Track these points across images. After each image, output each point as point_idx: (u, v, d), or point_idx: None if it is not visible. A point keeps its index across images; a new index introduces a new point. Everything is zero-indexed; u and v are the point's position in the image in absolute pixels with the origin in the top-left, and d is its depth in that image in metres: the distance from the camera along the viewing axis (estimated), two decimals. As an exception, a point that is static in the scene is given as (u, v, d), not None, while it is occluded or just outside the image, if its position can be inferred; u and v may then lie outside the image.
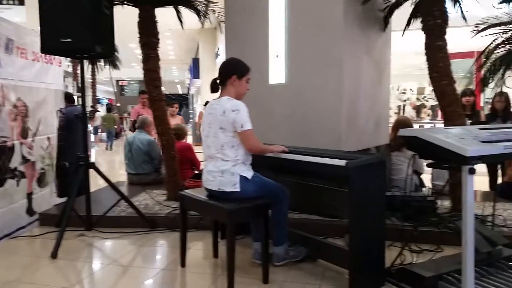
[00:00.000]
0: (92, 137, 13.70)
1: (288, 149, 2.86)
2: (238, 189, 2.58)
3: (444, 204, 3.97)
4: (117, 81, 28.30)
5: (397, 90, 15.60)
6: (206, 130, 2.73)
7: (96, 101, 18.87)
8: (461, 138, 2.21)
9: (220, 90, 2.78)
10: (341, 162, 2.41)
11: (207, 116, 2.74)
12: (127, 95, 29.48)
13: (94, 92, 18.59)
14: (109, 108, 17.29)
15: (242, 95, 2.77)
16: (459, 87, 5.51)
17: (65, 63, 16.45)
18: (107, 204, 4.00)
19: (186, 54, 21.32)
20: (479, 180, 5.87)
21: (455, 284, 2.43)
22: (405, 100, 14.68)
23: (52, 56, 4.60)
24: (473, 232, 2.16)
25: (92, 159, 11.29)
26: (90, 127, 14.02)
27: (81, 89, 3.76)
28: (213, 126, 2.66)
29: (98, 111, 16.77)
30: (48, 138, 4.61)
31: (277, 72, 3.91)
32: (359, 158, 2.49)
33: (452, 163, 2.28)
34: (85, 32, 3.40)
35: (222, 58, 3.78)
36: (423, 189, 4.33)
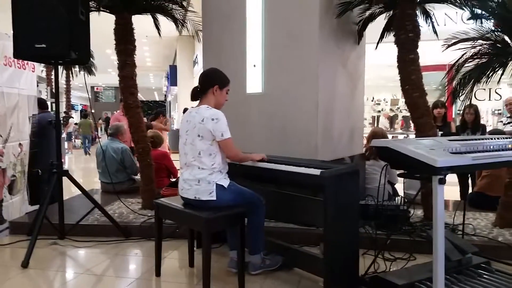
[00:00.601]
0: (65, 144, 13.39)
1: (267, 157, 2.89)
2: (214, 198, 2.59)
3: (417, 213, 4.07)
4: (92, 87, 27.89)
5: (372, 101, 15.91)
6: (184, 138, 2.74)
7: (70, 107, 18.50)
8: (431, 149, 2.28)
9: (199, 99, 2.79)
10: (316, 171, 2.45)
11: (185, 124, 2.75)
12: (102, 101, 29.07)
13: (68, 98, 18.24)
14: (86, 114, 17.22)
15: (221, 105, 2.80)
16: (432, 99, 5.69)
17: (39, 68, 16.13)
18: (80, 212, 3.93)
19: (164, 61, 21.22)
20: (451, 190, 6.05)
21: (426, 291, 2.49)
22: (379, 111, 14.99)
23: (25, 61, 4.51)
24: (443, 240, 2.22)
25: (66, 166, 11.08)
26: (63, 134, 13.73)
27: (55, 95, 3.70)
28: (190, 134, 2.68)
29: (72, 117, 16.44)
30: (20, 145, 4.50)
31: (254, 81, 3.95)
32: (334, 167, 2.54)
33: (423, 173, 2.35)
34: (60, 38, 3.36)
35: (199, 66, 3.79)
36: (396, 198, 4.43)
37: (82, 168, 11.75)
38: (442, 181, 2.18)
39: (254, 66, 3.93)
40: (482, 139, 2.89)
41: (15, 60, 4.30)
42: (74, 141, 16.98)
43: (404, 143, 2.38)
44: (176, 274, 3.02)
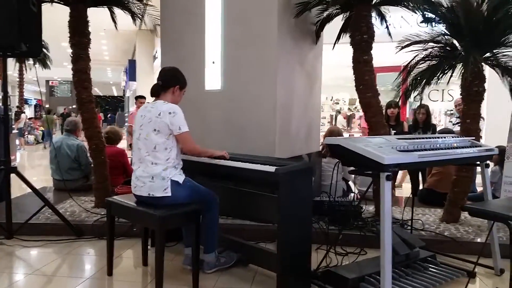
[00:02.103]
0: (16, 140, 12.82)
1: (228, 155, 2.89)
2: (169, 194, 2.56)
3: (369, 209, 4.20)
4: (47, 81, 26.82)
5: (331, 100, 16.21)
6: (137, 132, 2.70)
7: (23, 101, 17.73)
8: (379, 147, 2.37)
9: (159, 95, 2.77)
10: (271, 168, 2.48)
11: (139, 119, 2.71)
12: (57, 96, 28.03)
13: (21, 92, 17.49)
14: (49, 110, 17.75)
15: (176, 104, 2.78)
16: (387, 100, 5.88)
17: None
18: (31, 211, 3.78)
19: (122, 55, 20.73)
20: (404, 187, 6.28)
21: (375, 285, 2.58)
22: (338, 110, 15.30)
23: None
24: (390, 234, 2.31)
25: (17, 162, 10.62)
26: (15, 129, 13.14)
27: (4, 89, 3.54)
28: (145, 128, 2.64)
29: (24, 112, 15.77)
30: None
31: (213, 78, 3.93)
32: (288, 164, 2.57)
33: (372, 170, 2.43)
34: (10, 29, 3.23)
35: (160, 61, 3.73)
36: (350, 194, 4.55)
37: (35, 165, 11.30)
38: (389, 178, 2.27)
39: (213, 63, 3.91)
40: (430, 138, 3.03)
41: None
42: (27, 136, 16.28)
43: (355, 142, 2.46)
44: (129, 273, 2.97)
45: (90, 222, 3.79)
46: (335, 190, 3.85)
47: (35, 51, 3.51)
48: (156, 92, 2.76)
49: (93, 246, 3.49)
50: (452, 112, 12.64)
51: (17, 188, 4.61)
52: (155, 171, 2.58)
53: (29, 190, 3.80)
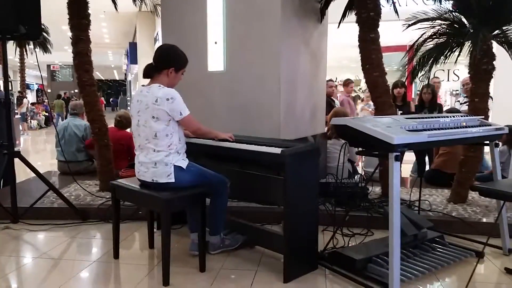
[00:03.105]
0: (19, 125, 12.82)
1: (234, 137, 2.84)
2: (172, 180, 2.52)
3: (376, 190, 4.17)
4: (48, 66, 26.66)
5: (335, 81, 16.04)
6: (136, 119, 2.61)
7: (25, 86, 17.66)
8: (388, 127, 2.32)
9: (152, 77, 2.65)
10: (277, 150, 2.44)
11: (136, 104, 2.62)
12: (59, 80, 27.90)
13: (22, 77, 17.40)
14: (59, 95, 19.96)
15: (173, 86, 2.65)
16: (393, 80, 5.80)
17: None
18: (36, 195, 3.78)
19: (123, 38, 20.51)
20: (409, 167, 6.24)
21: (383, 265, 2.56)
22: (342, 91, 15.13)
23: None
24: (399, 215, 2.28)
25: (21, 147, 10.63)
26: (18, 114, 13.13)
27: (4, 73, 3.48)
28: (143, 115, 2.55)
29: (26, 97, 15.72)
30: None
31: (215, 59, 3.86)
32: (294, 146, 2.53)
33: (380, 151, 2.39)
34: (8, 11, 3.16)
35: (160, 44, 3.65)
36: (356, 176, 4.51)
37: (40, 150, 11.32)
38: (398, 158, 2.22)
39: (216, 43, 3.84)
40: (439, 117, 2.97)
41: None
42: (30, 121, 16.29)
43: (362, 121, 2.41)
44: (135, 256, 2.97)
45: (95, 206, 3.78)
46: (341, 171, 3.81)
47: (34, 34, 3.44)
48: (148, 73, 2.62)
49: (98, 230, 3.49)
50: (457, 92, 12.51)
51: (22, 173, 4.60)
52: (158, 158, 2.52)
53: (34, 174, 3.78)
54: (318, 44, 4.42)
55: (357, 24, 3.85)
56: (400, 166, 5.55)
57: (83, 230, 3.48)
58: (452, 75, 12.48)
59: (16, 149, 3.65)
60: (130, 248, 3.13)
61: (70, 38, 4.01)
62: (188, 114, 2.57)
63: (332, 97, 6.53)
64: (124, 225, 3.54)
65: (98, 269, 2.74)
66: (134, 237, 3.36)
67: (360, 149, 2.61)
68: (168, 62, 2.62)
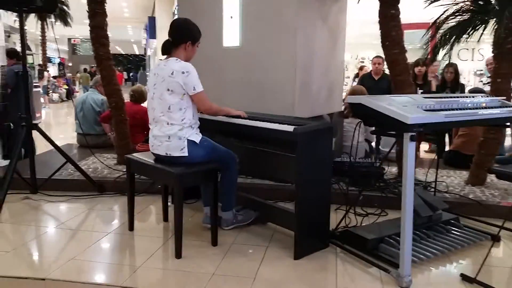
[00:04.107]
0: (41, 98, 13.03)
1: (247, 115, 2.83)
2: (186, 154, 2.54)
3: (392, 170, 4.12)
4: (69, 39, 26.86)
5: (356, 59, 15.75)
6: (151, 92, 2.64)
7: (46, 59, 17.86)
8: (404, 106, 2.27)
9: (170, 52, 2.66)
10: (289, 128, 2.42)
11: (152, 77, 2.64)
12: (80, 54, 28.12)
13: (44, 50, 17.60)
14: (85, 69, 22.04)
15: (190, 59, 2.69)
16: (415, 58, 5.67)
17: (12, 18, 15.37)
18: (56, 167, 3.85)
19: (142, 13, 20.45)
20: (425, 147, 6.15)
21: (395, 246, 2.54)
22: (360, 68, 14.86)
23: (-9, 9, 4.27)
24: (412, 196, 2.25)
25: (42, 120, 10.83)
26: (39, 88, 13.32)
27: (22, 46, 3.51)
28: (158, 88, 2.57)
29: (47, 70, 15.93)
30: (-12, 97, 4.34)
31: (231, 34, 3.82)
32: (307, 124, 2.51)
33: (395, 130, 2.35)
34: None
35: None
36: (372, 155, 4.47)
37: (61, 123, 11.53)
38: (413, 138, 2.17)
39: (231, 17, 3.79)
40: (458, 97, 2.90)
41: (-22, 7, 4.05)
42: (51, 95, 16.54)
43: (378, 100, 2.35)
44: (150, 229, 3.02)
45: (112, 179, 3.85)
46: (356, 151, 3.77)
47: (50, 6, 3.45)
48: (167, 49, 2.64)
49: (115, 202, 3.56)
50: (482, 72, 12.15)
51: (43, 145, 4.70)
52: (171, 131, 2.54)
53: (51, 146, 3.85)
54: (337, 19, 4.31)
55: (377, -1, 3.73)
56: (418, 148, 5.45)
57: (99, 202, 3.56)
58: (476, 54, 12.11)
59: (37, 121, 3.72)
60: (145, 221, 3.19)
61: (87, 11, 4.00)
62: (201, 90, 2.56)
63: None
64: (140, 198, 3.61)
65: (113, 240, 2.81)
66: (150, 210, 3.42)
67: (374, 128, 2.57)
68: (185, 36, 2.64)
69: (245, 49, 3.77)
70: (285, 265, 2.44)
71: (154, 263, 2.46)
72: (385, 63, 4.30)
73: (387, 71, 4.52)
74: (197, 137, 2.60)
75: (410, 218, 2.25)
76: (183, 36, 2.63)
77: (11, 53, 4.89)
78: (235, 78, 3.87)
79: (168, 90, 2.52)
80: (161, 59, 2.67)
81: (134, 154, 2.87)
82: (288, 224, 2.78)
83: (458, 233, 2.85)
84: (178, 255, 2.50)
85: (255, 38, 3.72)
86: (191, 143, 2.56)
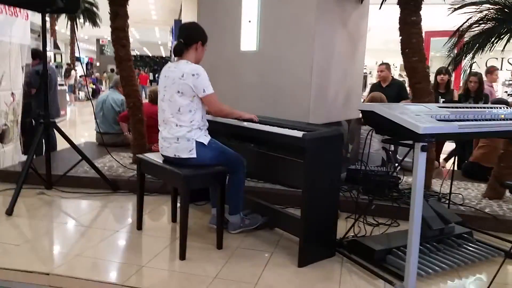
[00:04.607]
0: (67, 96, 13.36)
1: (258, 119, 2.82)
2: (194, 155, 2.55)
3: (409, 180, 4.02)
4: (98, 40, 27.47)
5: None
6: (162, 93, 2.66)
7: (74, 59, 18.30)
8: (416, 115, 2.21)
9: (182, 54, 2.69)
10: (298, 134, 2.39)
11: (163, 79, 2.67)
12: (108, 54, 28.67)
13: (72, 50, 18.04)
14: (112, 69, 20.85)
15: (200, 61, 2.72)
16: (439, 66, 5.56)
17: (39, 17, 15.80)
18: (72, 164, 3.92)
19: (169, 15, 20.68)
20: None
21: (402, 258, 2.48)
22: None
23: (18, 9, 4.39)
24: (421, 208, 2.19)
25: (67, 118, 11.11)
26: (65, 86, 13.67)
27: (43, 45, 3.60)
28: (168, 90, 2.59)
29: (75, 69, 16.33)
30: (12, 94, 4.46)
31: (249, 38, 3.82)
32: (317, 130, 2.47)
33: (406, 140, 2.29)
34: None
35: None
36: (389, 164, 4.38)
37: (85, 121, 11.76)
38: (425, 148, 2.12)
39: (250, 22, 3.79)
40: (476, 107, 2.81)
41: (6, 7, 4.19)
42: (78, 93, 16.92)
43: (390, 108, 2.31)
44: (158, 228, 3.03)
45: (126, 178, 3.89)
46: (368, 158, 3.70)
47: (72, 7, 3.53)
48: (180, 51, 2.67)
49: (126, 201, 3.60)
50: (510, 82, 11.80)
51: (64, 142, 4.81)
52: (180, 133, 2.56)
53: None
54: (357, 25, 4.27)
55: (398, 5, 3.67)
56: (438, 158, 5.30)
57: (112, 200, 3.60)
58: (506, 64, 11.78)
59: (61, 119, 3.81)
60: (154, 221, 3.21)
61: (109, 13, 4.08)
62: (211, 92, 2.57)
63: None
64: (152, 197, 3.65)
65: (120, 238, 2.84)
66: (160, 210, 3.44)
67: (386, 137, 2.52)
68: (196, 36, 2.69)
69: (262, 53, 3.77)
70: (288, 272, 2.41)
71: (157, 263, 2.47)
72: (391, 69, 4.21)
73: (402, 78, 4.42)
74: (205, 138, 2.61)
75: (417, 230, 2.18)
76: (195, 37, 2.68)
77: (34, 54, 5.03)
78: (251, 82, 3.87)
79: (178, 92, 2.54)
80: (171, 61, 2.68)
81: (145, 154, 2.90)
82: (294, 230, 2.75)
83: (470, 248, 2.76)
84: (182, 256, 2.50)
85: (272, 42, 3.71)
86: (199, 144, 2.56)
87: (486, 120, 2.48)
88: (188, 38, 2.68)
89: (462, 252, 2.68)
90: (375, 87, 5.87)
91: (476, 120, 2.43)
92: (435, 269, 2.43)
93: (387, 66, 5.78)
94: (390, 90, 5.51)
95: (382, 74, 5.71)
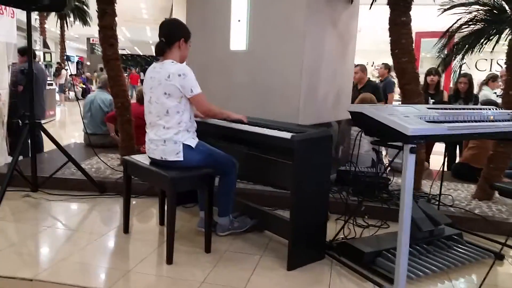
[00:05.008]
0: (56, 96, 13.21)
1: (248, 120, 2.79)
2: (181, 158, 2.50)
3: (398, 181, 4.02)
4: (88, 38, 27.24)
5: (372, 66, 15.57)
6: (148, 95, 2.59)
7: (64, 58, 18.12)
8: (405, 117, 2.19)
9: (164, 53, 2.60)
10: (287, 135, 2.36)
11: (148, 80, 2.59)
12: (98, 54, 28.45)
13: (62, 49, 17.85)
14: (101, 68, 20.30)
15: (185, 58, 2.66)
16: (429, 67, 5.56)
17: (33, 17, 15.62)
18: (59, 165, 3.85)
19: (161, 14, 20.54)
20: (437, 159, 6.02)
21: (392, 260, 2.46)
22: (378, 77, 14.66)
23: (3, 6, 4.31)
24: (410, 210, 2.17)
25: (57, 118, 10.97)
26: (55, 86, 13.51)
27: (28, 43, 3.53)
28: (155, 91, 2.53)
29: (66, 69, 16.16)
30: (-2, 94, 4.38)
31: (238, 38, 3.78)
32: (306, 131, 2.45)
33: (395, 141, 2.27)
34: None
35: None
36: (379, 165, 4.37)
37: (75, 121, 11.63)
38: (413, 150, 2.09)
39: (239, 21, 3.75)
40: (465, 109, 2.80)
41: (-10, 4, 4.11)
42: (68, 92, 16.75)
43: (379, 110, 2.28)
44: (145, 232, 2.99)
45: (114, 180, 3.84)
46: (356, 159, 3.68)
47: (58, 5, 3.47)
48: (162, 50, 2.58)
49: (114, 203, 3.54)
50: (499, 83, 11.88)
51: (50, 143, 4.73)
52: (167, 135, 2.50)
53: (62, 144, 3.87)
54: (347, 25, 4.24)
55: (388, 5, 3.66)
56: (428, 159, 5.29)
57: (98, 202, 3.54)
58: (495, 65, 11.86)
59: (50, 119, 3.74)
60: (142, 224, 3.16)
61: (96, 11, 4.01)
62: (199, 92, 2.52)
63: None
64: (140, 200, 3.60)
65: (106, 242, 2.78)
66: (148, 212, 3.39)
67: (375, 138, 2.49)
68: (178, 34, 2.59)
69: (252, 53, 3.74)
70: (277, 276, 2.38)
71: (144, 268, 2.42)
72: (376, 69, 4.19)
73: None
74: (193, 141, 2.56)
75: (407, 233, 2.16)
76: (176, 34, 2.58)
77: (21, 51, 4.93)
78: (241, 82, 3.83)
79: (165, 94, 2.48)
80: (173, 62, 2.55)
81: (132, 156, 2.85)
82: (283, 232, 2.72)
83: (460, 250, 2.75)
84: (169, 260, 2.46)
85: (262, 42, 3.68)
86: (186, 147, 2.51)
87: (476, 121, 2.47)
88: (169, 36, 2.58)
89: (452, 254, 2.67)
90: (352, 89, 5.81)
91: (465, 121, 2.42)
92: (425, 272, 2.41)
93: (361, 67, 5.74)
94: (365, 92, 5.49)
95: (356, 76, 5.61)
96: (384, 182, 3.73)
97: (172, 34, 2.58)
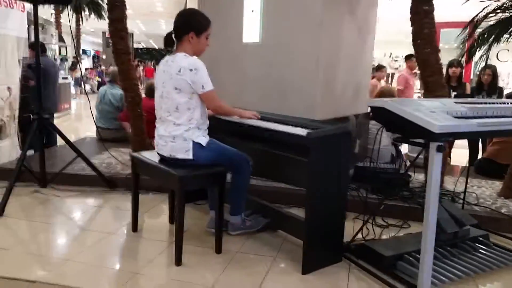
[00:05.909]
0: (72, 89, 13.25)
1: (260, 115, 2.65)
2: (190, 156, 2.37)
3: (419, 178, 3.84)
4: (104, 33, 27.34)
5: (389, 57, 15.24)
6: (160, 90, 2.46)
7: (79, 51, 18.20)
8: (432, 112, 2.03)
9: (175, 45, 2.48)
10: (303, 132, 2.22)
11: (161, 74, 2.45)
12: (114, 48, 28.68)
13: (78, 42, 17.90)
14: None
15: (201, 53, 2.49)
16: (451, 59, 5.33)
17: (49, 12, 15.66)
18: (69, 160, 3.78)
19: (175, 7, 20.45)
20: (459, 153, 5.80)
21: (414, 264, 2.31)
22: (396, 68, 14.36)
23: (12, 0, 4.23)
24: (436, 211, 2.02)
25: (73, 111, 10.99)
26: (71, 79, 13.56)
27: (35, 37, 3.45)
28: (166, 86, 2.39)
29: (80, 62, 16.21)
30: (9, 88, 4.32)
31: (251, 29, 3.63)
32: (322, 128, 2.30)
33: (420, 139, 2.11)
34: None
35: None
36: (398, 161, 4.19)
37: (90, 115, 11.63)
38: (441, 149, 1.93)
39: (252, 11, 3.60)
40: (494, 103, 2.62)
41: (1, -2, 4.04)
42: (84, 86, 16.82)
43: (403, 105, 2.12)
44: (154, 230, 2.88)
45: (124, 175, 3.75)
46: (377, 155, 3.51)
47: (66, -1, 3.37)
48: (169, 41, 2.44)
49: (124, 200, 3.44)
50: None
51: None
52: (177, 132, 2.37)
53: (74, 139, 3.80)
54: (366, 15, 4.05)
55: (409, -6, 3.47)
56: (449, 154, 5.08)
57: (108, 199, 3.46)
58: (518, 56, 11.46)
59: (65, 113, 3.68)
60: (151, 222, 3.06)
61: (106, 3, 3.91)
62: (211, 89, 2.38)
63: None
64: (151, 196, 3.50)
65: (114, 241, 2.69)
66: (158, 210, 3.29)
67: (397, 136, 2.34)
68: (186, 27, 2.42)
69: (266, 45, 3.58)
70: (291, 281, 2.25)
71: (152, 270, 2.32)
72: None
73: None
74: (203, 139, 2.42)
75: (432, 237, 2.02)
76: (184, 27, 2.42)
77: (32, 45, 4.87)
78: (255, 75, 3.68)
79: (176, 88, 2.35)
80: (185, 55, 2.41)
81: (140, 153, 2.73)
82: (298, 233, 2.58)
83: (487, 253, 2.58)
84: (178, 262, 2.35)
85: (276, 33, 3.51)
86: (197, 145, 2.38)
87: (507, 116, 2.29)
88: (177, 28, 2.43)
89: (478, 258, 2.50)
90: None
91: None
92: (450, 277, 2.25)
93: None
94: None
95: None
96: (405, 179, 3.56)
97: (181, 27, 2.43)
